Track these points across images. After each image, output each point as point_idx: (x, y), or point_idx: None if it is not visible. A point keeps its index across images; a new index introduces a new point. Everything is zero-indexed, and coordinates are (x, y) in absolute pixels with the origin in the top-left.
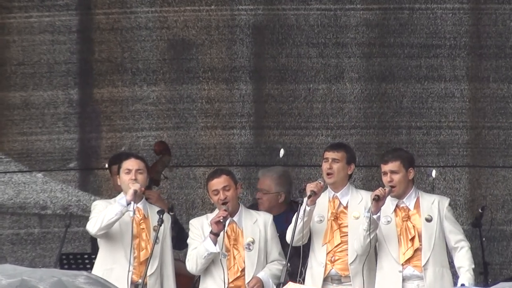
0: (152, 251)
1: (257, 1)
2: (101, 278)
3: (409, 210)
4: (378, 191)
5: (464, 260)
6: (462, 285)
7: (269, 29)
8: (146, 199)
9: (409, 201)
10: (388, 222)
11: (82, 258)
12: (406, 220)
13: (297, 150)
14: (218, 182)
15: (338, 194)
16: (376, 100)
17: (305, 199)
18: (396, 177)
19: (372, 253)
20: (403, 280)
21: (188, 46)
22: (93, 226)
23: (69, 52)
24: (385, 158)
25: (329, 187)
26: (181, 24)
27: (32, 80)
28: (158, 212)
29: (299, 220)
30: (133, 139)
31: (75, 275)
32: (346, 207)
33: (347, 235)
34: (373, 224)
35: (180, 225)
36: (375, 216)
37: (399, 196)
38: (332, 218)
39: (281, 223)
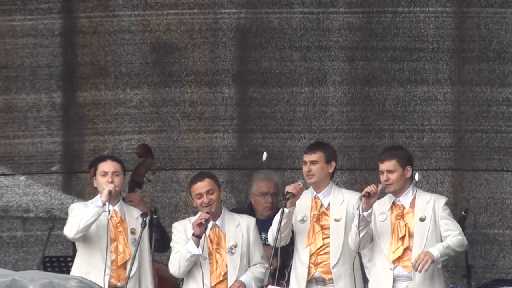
0: (135, 254)
1: (240, 4)
2: (95, 283)
3: (404, 208)
4: (369, 188)
5: (448, 240)
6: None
7: (252, 32)
8: (125, 200)
9: (405, 199)
10: (384, 219)
11: (65, 261)
12: (399, 219)
13: (280, 153)
14: (202, 186)
15: (319, 195)
16: (359, 103)
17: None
18: (392, 176)
19: (357, 255)
20: (394, 280)
21: (171, 50)
22: (70, 230)
23: (52, 55)
24: (381, 156)
25: (311, 186)
26: (164, 28)
27: (15, 83)
28: (141, 215)
29: (278, 222)
30: (116, 143)
31: (67, 279)
32: (327, 208)
33: (329, 237)
34: (363, 221)
35: (162, 228)
36: (365, 213)
37: (396, 194)
38: (314, 220)
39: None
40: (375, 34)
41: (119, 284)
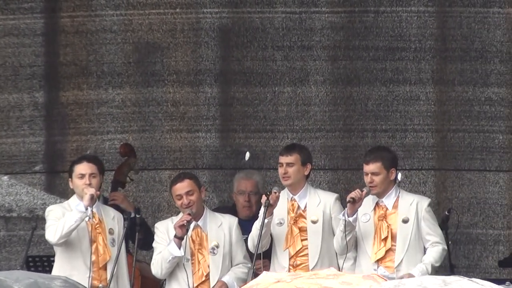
0: (118, 254)
1: (222, 4)
2: (79, 283)
3: (387, 209)
4: (354, 194)
5: (429, 255)
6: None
7: (234, 32)
8: (108, 200)
9: (388, 201)
10: (367, 220)
11: (48, 260)
12: (382, 220)
13: (263, 153)
14: (181, 187)
15: (296, 197)
16: (341, 103)
17: (261, 211)
18: (377, 179)
19: (333, 255)
20: None
21: (153, 49)
22: (53, 235)
23: (34, 55)
24: (367, 158)
25: (286, 188)
26: (146, 27)
27: None
28: (124, 214)
29: (257, 231)
30: (98, 142)
31: (52, 278)
32: (304, 210)
33: (307, 239)
34: (349, 226)
35: (147, 226)
36: (350, 219)
37: (379, 195)
38: (292, 222)
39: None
40: (358, 33)
41: (100, 285)
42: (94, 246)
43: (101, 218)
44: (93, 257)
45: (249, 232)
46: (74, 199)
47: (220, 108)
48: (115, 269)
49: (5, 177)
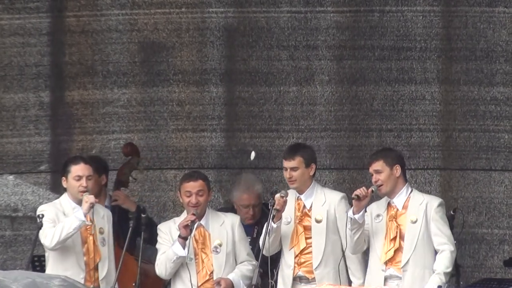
0: (122, 255)
1: (228, 3)
2: (78, 282)
3: (397, 209)
4: (358, 191)
5: (439, 263)
6: None
7: (240, 31)
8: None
9: (398, 200)
10: (380, 220)
11: None
12: (392, 220)
13: (268, 152)
14: (194, 186)
15: (302, 196)
16: (346, 102)
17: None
18: (381, 176)
19: (339, 255)
20: (386, 279)
21: (159, 49)
22: (50, 241)
23: (39, 54)
24: (370, 159)
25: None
26: (152, 27)
27: (3, 82)
28: (130, 214)
29: (267, 237)
30: (104, 142)
31: (50, 278)
32: (309, 210)
33: (311, 237)
34: (355, 224)
35: (153, 223)
36: (356, 216)
37: (389, 195)
38: (297, 221)
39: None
40: (363, 33)
41: (92, 286)
42: (85, 247)
43: (91, 218)
44: (84, 258)
45: (251, 235)
46: (66, 198)
47: (225, 108)
48: (105, 269)
49: (11, 177)
